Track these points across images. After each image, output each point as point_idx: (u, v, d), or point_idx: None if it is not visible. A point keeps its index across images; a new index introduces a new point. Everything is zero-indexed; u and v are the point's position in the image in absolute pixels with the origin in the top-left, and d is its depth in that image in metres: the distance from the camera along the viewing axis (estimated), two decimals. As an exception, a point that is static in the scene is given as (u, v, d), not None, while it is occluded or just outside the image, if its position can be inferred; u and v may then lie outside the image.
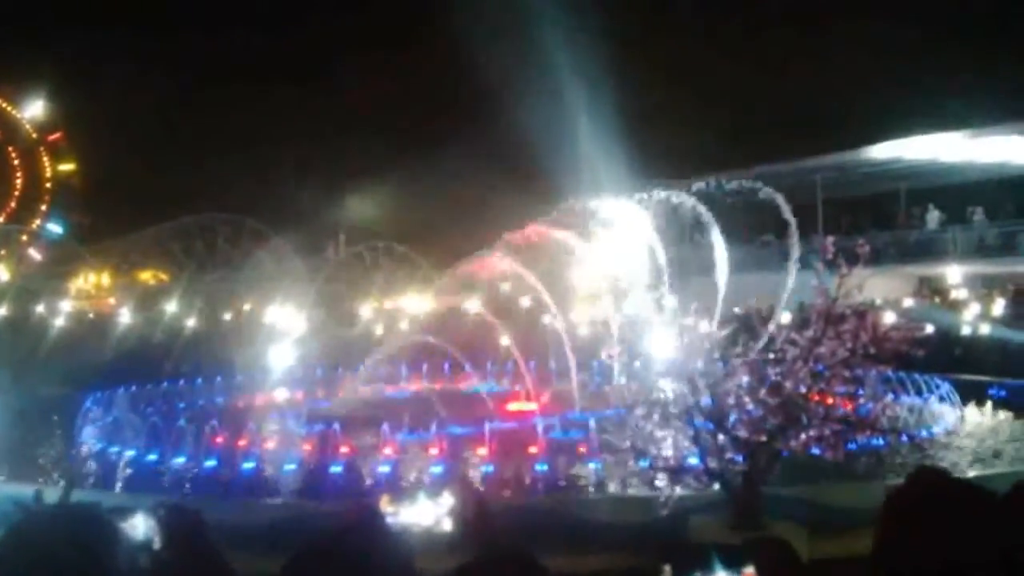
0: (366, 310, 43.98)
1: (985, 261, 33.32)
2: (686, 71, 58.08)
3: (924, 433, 16.85)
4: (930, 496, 3.14)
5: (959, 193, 36.12)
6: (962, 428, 18.73)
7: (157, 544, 2.70)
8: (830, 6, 61.57)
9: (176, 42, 76.09)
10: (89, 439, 18.57)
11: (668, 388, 10.33)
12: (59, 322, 41.76)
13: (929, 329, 19.48)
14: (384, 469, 14.84)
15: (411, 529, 7.03)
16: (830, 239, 10.69)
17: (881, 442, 10.92)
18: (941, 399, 19.62)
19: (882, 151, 33.34)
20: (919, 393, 19.37)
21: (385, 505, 6.34)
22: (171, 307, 45.60)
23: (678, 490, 10.00)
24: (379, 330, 38.83)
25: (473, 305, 34.06)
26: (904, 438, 11.56)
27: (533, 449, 16.20)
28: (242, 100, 72.02)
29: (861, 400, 10.34)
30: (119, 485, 14.37)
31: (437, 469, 14.72)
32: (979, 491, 3.28)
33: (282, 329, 35.52)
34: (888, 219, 38.74)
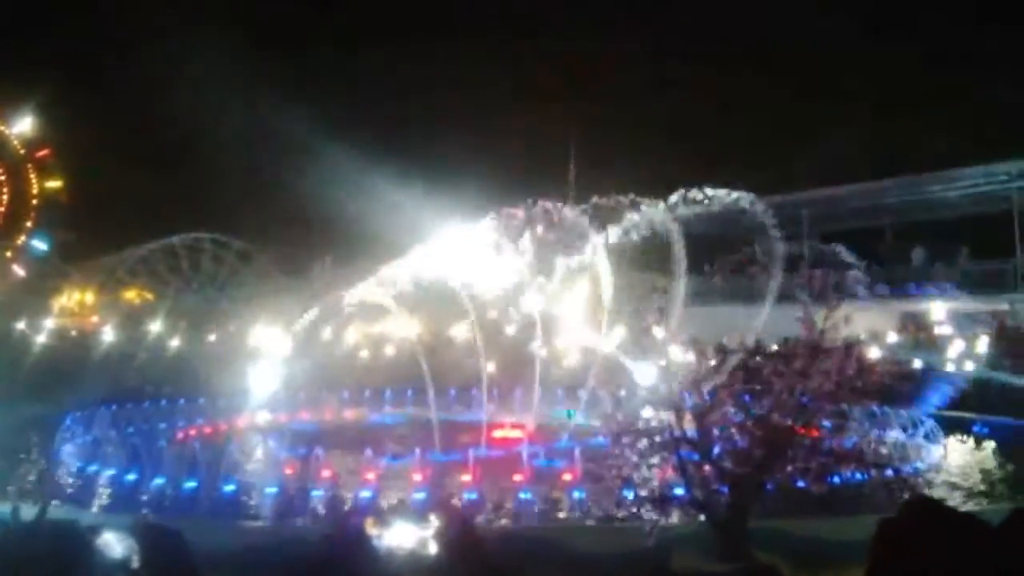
0: (351, 333, 43.76)
1: (969, 298, 33.52)
2: (670, 100, 58.63)
3: (909, 468, 16.85)
4: (924, 525, 3.10)
5: (944, 229, 36.43)
6: (946, 464, 18.74)
7: (136, 561, 2.65)
8: (815, 44, 62.36)
9: (165, 61, 76.26)
10: (68, 458, 18.32)
11: (654, 417, 10.32)
12: (41, 339, 41.40)
13: (916, 364, 19.59)
14: (366, 494, 14.68)
15: (395, 552, 6.95)
16: (817, 272, 10.76)
17: (866, 476, 10.93)
18: (925, 435, 19.64)
19: (868, 187, 33.67)
20: (904, 428, 19.39)
21: (370, 528, 6.25)
22: (155, 326, 45.31)
23: (663, 520, 9.95)
24: (364, 353, 38.68)
25: (460, 331, 34.00)
26: (889, 472, 11.56)
27: (518, 477, 16.10)
28: (229, 118, 72.06)
29: (846, 434, 10.36)
30: (97, 504, 14.17)
31: (420, 495, 14.59)
32: (974, 520, 3.24)
33: (266, 350, 35.32)
34: (873, 254, 39.00)
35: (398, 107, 75.62)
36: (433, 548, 6.39)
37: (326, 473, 15.85)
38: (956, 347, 29.60)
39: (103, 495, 15.20)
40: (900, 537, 3.12)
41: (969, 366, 27.27)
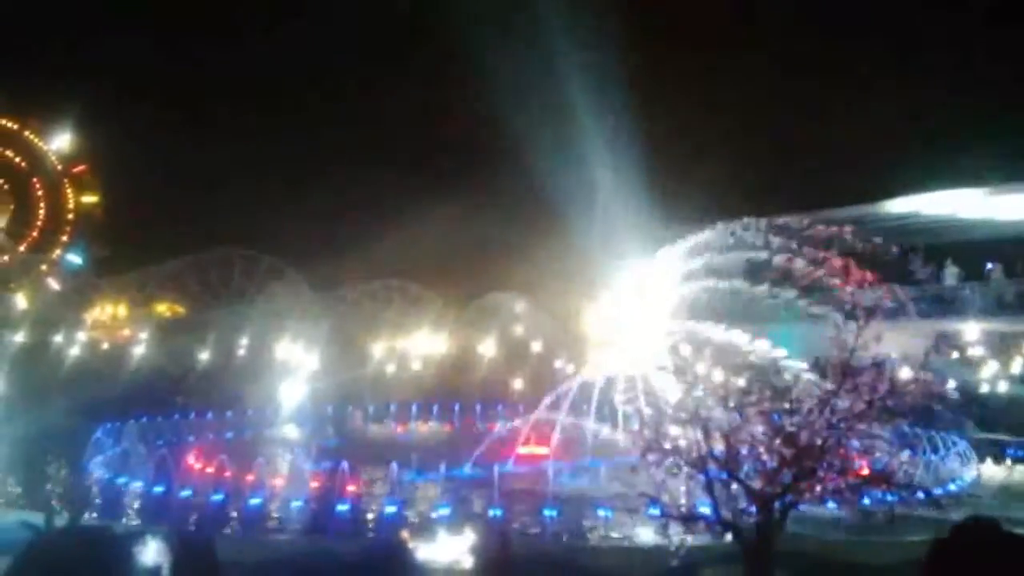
0: (378, 349, 43.97)
1: (1003, 319, 32.99)
2: (701, 123, 58.44)
3: (941, 490, 16.56)
4: (980, 547, 3.00)
5: (977, 250, 35.95)
6: (979, 486, 18.40)
7: (166, 570, 2.68)
8: (846, 60, 61.96)
9: (203, 79, 77.38)
10: (97, 469, 18.51)
11: (681, 436, 10.22)
12: (74, 352, 41.99)
13: (951, 385, 19.25)
14: (391, 509, 14.69)
15: (430, 566, 6.94)
16: (848, 290, 10.63)
17: (896, 498, 10.74)
18: (958, 456, 19.32)
19: (900, 206, 33.29)
20: (936, 450, 19.08)
21: (404, 540, 6.25)
22: (185, 340, 45.79)
23: (690, 540, 9.84)
24: (391, 369, 38.83)
25: (487, 348, 34.08)
26: (920, 494, 11.34)
27: (543, 493, 16.00)
28: (262, 138, 72.99)
29: (877, 454, 10.20)
30: (125, 516, 14.29)
31: (444, 510, 14.56)
32: None
33: (294, 365, 35.58)
34: (906, 273, 38.55)
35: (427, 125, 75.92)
36: (468, 563, 6.38)
37: (351, 488, 15.88)
38: (990, 368, 29.15)
39: (132, 507, 15.32)
40: (954, 558, 3.02)
41: (1003, 387, 26.83)
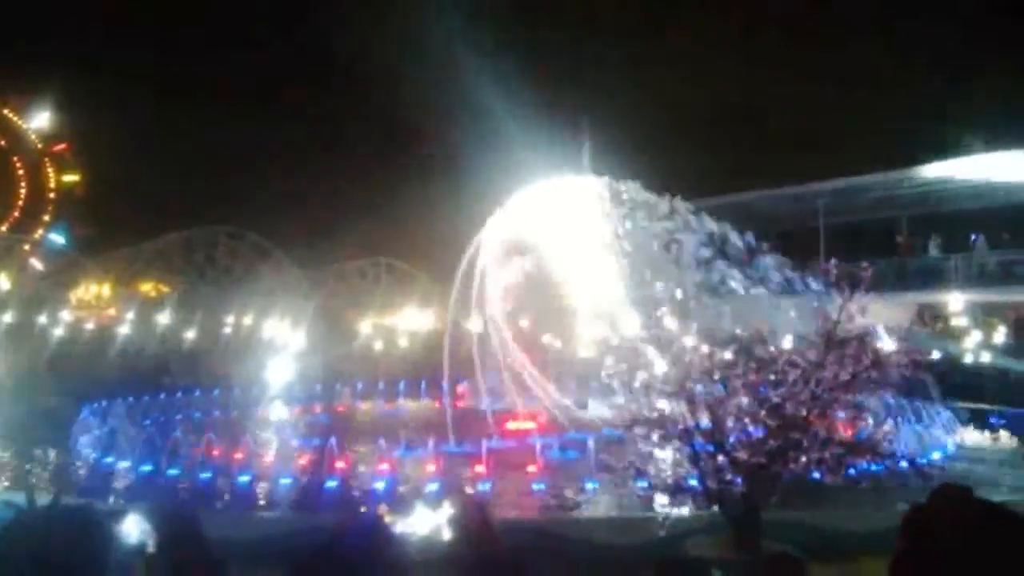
0: (365, 326, 43.95)
1: (986, 289, 33.25)
2: (689, 91, 58.31)
3: (925, 459, 16.75)
4: (954, 513, 3.02)
5: (960, 221, 36.14)
6: (962, 455, 18.62)
7: (152, 546, 2.67)
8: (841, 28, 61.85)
9: (182, 55, 76.58)
10: (84, 449, 18.47)
11: (667, 408, 10.30)
12: (59, 332, 41.75)
13: (935, 355, 19.46)
14: (380, 485, 14.74)
15: (408, 539, 6.98)
16: (832, 263, 10.70)
17: (881, 467, 10.85)
18: (942, 426, 19.54)
19: (885, 177, 33.40)
20: (920, 420, 19.28)
21: (383, 515, 6.27)
22: (171, 319, 45.61)
23: (676, 511, 9.94)
24: (378, 346, 38.81)
25: (474, 324, 34.02)
26: (904, 464, 11.47)
27: (531, 468, 16.11)
28: (245, 113, 72.41)
29: (862, 424, 10.31)
30: (113, 495, 14.28)
31: (434, 486, 14.62)
32: (1003, 510, 3.15)
33: (281, 343, 35.53)
34: (888, 246, 38.75)
35: (414, 97, 75.40)
36: (446, 536, 6.40)
37: (340, 464, 15.92)
38: (973, 338, 29.43)
39: (119, 486, 15.31)
40: (929, 525, 3.04)
41: (986, 357, 27.11)
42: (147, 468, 16.18)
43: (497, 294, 21.76)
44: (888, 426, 10.79)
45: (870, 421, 10.75)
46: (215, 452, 16.84)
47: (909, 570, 3.01)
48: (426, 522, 7.56)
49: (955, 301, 34.49)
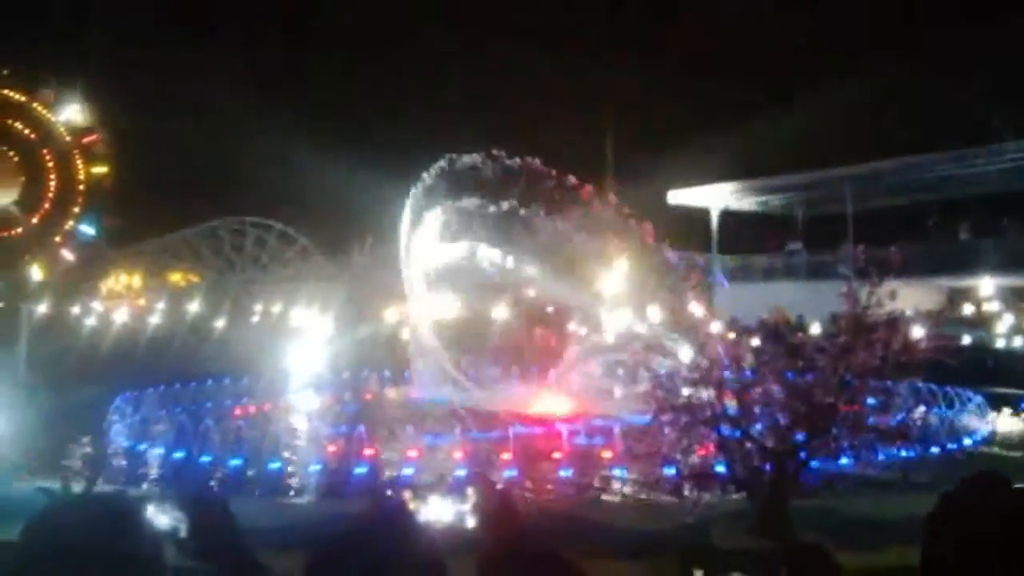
0: (392, 313, 44.08)
1: (1017, 273, 32.77)
2: (718, 77, 57.79)
3: (955, 445, 16.58)
4: (990, 503, 2.95)
5: (990, 204, 35.63)
6: (994, 441, 18.39)
7: (183, 531, 2.71)
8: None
9: (209, 45, 77.00)
10: (118, 437, 18.75)
11: (694, 395, 10.26)
12: (90, 323, 42.35)
13: (966, 340, 19.24)
14: (408, 471, 14.84)
15: (433, 526, 7.03)
16: (860, 248, 10.59)
17: (912, 453, 10.78)
18: (973, 412, 19.30)
19: (913, 161, 33.02)
20: (950, 405, 19.06)
21: (408, 502, 6.31)
22: (200, 308, 46.10)
23: (704, 498, 9.92)
24: (405, 334, 38.92)
25: (500, 311, 34.09)
26: (935, 450, 11.39)
27: (557, 454, 16.14)
28: (271, 102, 72.63)
29: (891, 410, 10.21)
30: (146, 482, 14.50)
31: (461, 472, 14.69)
32: None
33: (309, 331, 35.79)
34: (918, 229, 38.32)
35: (438, 89, 75.41)
36: (471, 523, 6.45)
37: (368, 451, 16.04)
38: (1005, 323, 29.03)
39: (152, 473, 15.54)
40: (963, 514, 2.97)
41: (1018, 342, 26.74)
42: (179, 455, 16.41)
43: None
44: (918, 412, 10.67)
45: (900, 407, 10.65)
46: (246, 439, 17.02)
47: (942, 560, 2.96)
48: (451, 509, 7.61)
49: (986, 285, 34.07)
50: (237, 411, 22.70)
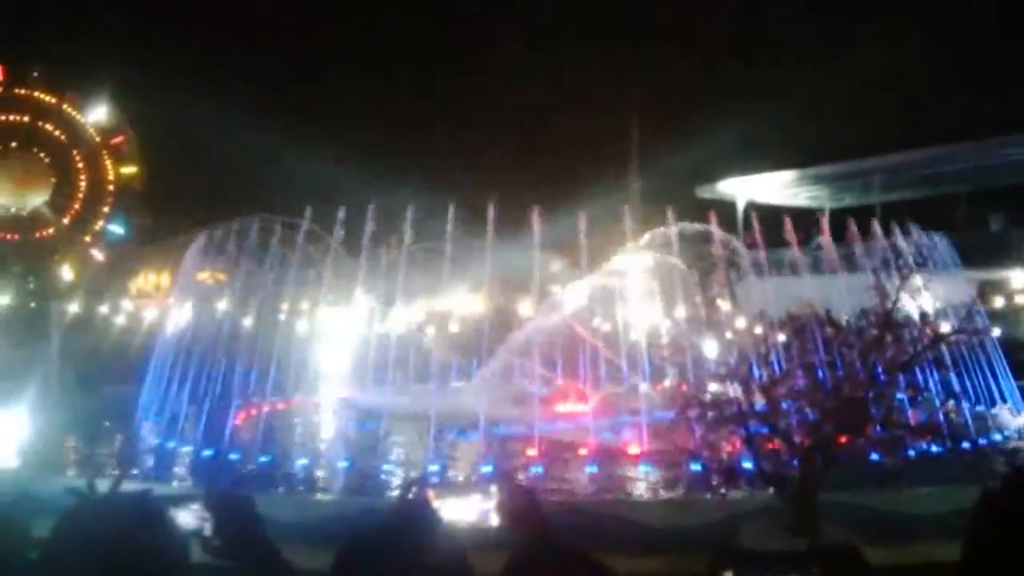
0: (417, 311, 44.18)
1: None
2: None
3: (986, 440, 16.33)
4: None
5: (1021, 195, 35.08)
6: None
7: (209, 529, 2.71)
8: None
9: (238, 45, 77.60)
10: (147, 435, 18.94)
11: (721, 391, 10.18)
12: (120, 321, 42.85)
13: (995, 333, 18.93)
14: (434, 468, 14.86)
15: (457, 524, 7.02)
16: (890, 241, 10.47)
17: (942, 448, 10.62)
18: (1006, 406, 19.02)
19: (941, 151, 32.57)
20: (983, 400, 18.80)
21: (431, 499, 6.29)
22: (227, 306, 46.42)
23: (732, 494, 9.83)
24: (430, 331, 39.06)
25: (524, 308, 34.04)
26: (966, 444, 11.23)
27: (583, 451, 16.09)
28: (298, 102, 73.09)
29: (922, 405, 10.08)
30: (175, 479, 14.63)
31: (486, 469, 14.69)
32: None
33: (335, 329, 35.96)
34: (948, 221, 37.78)
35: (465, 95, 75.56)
36: (494, 521, 6.42)
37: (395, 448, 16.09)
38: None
39: (180, 470, 15.67)
40: (1005, 512, 2.88)
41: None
42: (208, 452, 16.55)
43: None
44: (950, 407, 10.52)
45: (930, 401, 10.51)
46: (272, 436, 17.10)
47: (984, 559, 2.87)
48: (475, 506, 7.61)
49: (1018, 278, 33.55)
50: (264, 408, 22.83)
